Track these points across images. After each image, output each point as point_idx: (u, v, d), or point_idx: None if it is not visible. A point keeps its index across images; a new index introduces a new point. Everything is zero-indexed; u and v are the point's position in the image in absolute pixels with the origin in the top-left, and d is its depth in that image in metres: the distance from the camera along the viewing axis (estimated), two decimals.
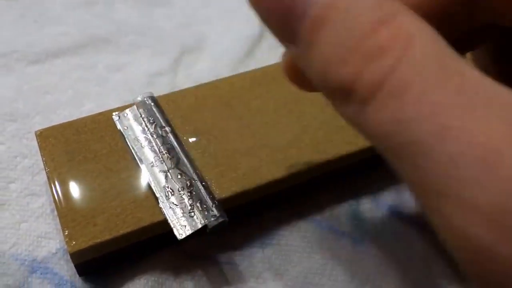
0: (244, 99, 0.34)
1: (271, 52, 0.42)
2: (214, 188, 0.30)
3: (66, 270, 0.30)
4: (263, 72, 0.36)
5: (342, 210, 0.34)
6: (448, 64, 0.16)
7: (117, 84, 0.39)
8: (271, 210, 0.33)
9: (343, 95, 0.18)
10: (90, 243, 0.27)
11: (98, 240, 0.27)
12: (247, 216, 0.33)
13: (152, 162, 0.30)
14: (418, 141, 0.16)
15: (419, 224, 0.34)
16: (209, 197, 0.29)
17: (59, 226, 0.31)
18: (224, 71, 0.40)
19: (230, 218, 0.30)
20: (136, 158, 0.30)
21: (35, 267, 0.30)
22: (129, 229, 0.28)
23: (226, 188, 0.30)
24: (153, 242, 0.30)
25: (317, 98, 0.33)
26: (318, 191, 0.34)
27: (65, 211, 0.28)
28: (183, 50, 0.41)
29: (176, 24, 0.43)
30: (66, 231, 0.27)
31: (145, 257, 0.31)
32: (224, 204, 0.30)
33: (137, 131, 0.31)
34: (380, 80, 0.17)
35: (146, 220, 0.28)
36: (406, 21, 0.17)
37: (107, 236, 0.28)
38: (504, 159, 0.15)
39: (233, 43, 0.42)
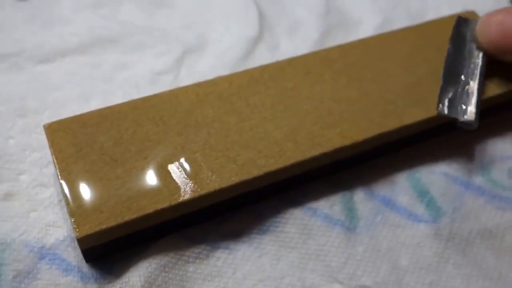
0: (242, 96, 0.35)
1: (269, 52, 0.44)
2: (215, 178, 0.31)
3: (74, 256, 0.32)
4: (261, 70, 0.37)
5: (336, 200, 0.36)
6: None
7: (123, 82, 0.40)
8: (269, 199, 0.35)
9: None
10: (96, 229, 0.29)
11: (104, 226, 0.29)
12: (246, 205, 0.35)
13: None
14: None
15: (409, 214, 0.35)
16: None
17: (66, 215, 0.33)
18: (225, 70, 0.41)
19: (230, 207, 0.32)
20: None
21: (44, 253, 0.32)
22: (133, 216, 0.30)
23: (226, 178, 0.31)
24: (156, 230, 0.32)
25: (312, 95, 0.35)
26: (314, 181, 0.36)
27: (73, 199, 0.30)
28: (185, 50, 0.43)
29: (179, 25, 0.45)
30: (73, 218, 0.29)
31: (149, 244, 0.32)
32: (223, 194, 0.31)
33: None
34: None
35: (149, 207, 0.30)
36: None
37: (112, 223, 0.29)
38: None
39: (233, 43, 0.44)
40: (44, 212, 0.33)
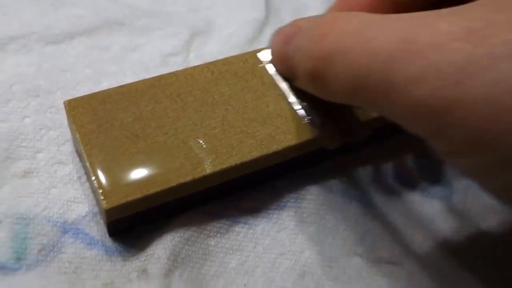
0: (257, 74, 0.36)
1: None
2: (235, 153, 0.32)
3: (97, 231, 0.32)
4: None
5: (353, 177, 0.36)
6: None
7: (133, 63, 0.40)
8: (287, 176, 0.36)
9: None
10: (123, 200, 0.29)
11: (131, 198, 0.29)
12: (264, 182, 0.35)
13: None
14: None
15: (423, 190, 0.36)
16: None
17: (87, 192, 0.33)
18: (233, 52, 0.41)
19: (248, 183, 0.33)
20: None
21: (67, 228, 0.32)
22: (158, 189, 0.30)
23: (246, 153, 0.32)
24: (178, 204, 0.32)
25: None
26: (331, 158, 0.36)
27: (98, 172, 0.30)
28: (193, 32, 0.43)
29: (185, 9, 0.45)
30: (101, 189, 0.29)
31: (169, 220, 0.33)
32: (243, 169, 0.32)
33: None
34: None
35: (173, 180, 0.30)
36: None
37: (138, 195, 0.29)
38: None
39: (240, 26, 0.44)
40: (64, 189, 0.33)
